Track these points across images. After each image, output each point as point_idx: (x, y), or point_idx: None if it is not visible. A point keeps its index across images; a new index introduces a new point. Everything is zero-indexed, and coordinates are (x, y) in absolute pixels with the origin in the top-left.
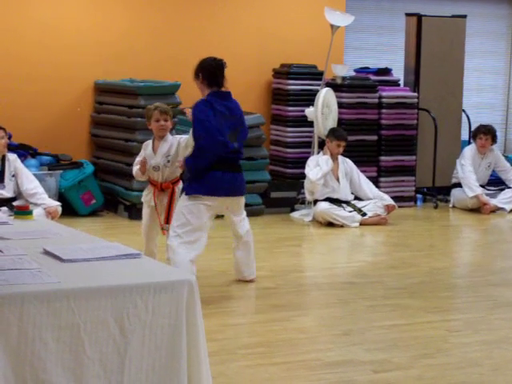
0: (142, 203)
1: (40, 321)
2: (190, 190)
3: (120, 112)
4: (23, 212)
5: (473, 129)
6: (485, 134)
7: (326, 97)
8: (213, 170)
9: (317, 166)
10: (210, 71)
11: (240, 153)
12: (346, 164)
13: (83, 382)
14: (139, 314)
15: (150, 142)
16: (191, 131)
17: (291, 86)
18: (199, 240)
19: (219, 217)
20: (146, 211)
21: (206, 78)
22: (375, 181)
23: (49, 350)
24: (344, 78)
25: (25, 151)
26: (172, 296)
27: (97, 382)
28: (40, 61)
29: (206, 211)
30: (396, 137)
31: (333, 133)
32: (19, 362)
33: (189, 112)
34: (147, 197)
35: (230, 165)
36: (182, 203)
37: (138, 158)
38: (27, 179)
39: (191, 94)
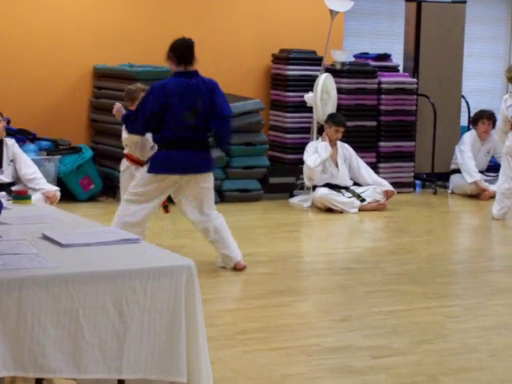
0: None
1: (39, 306)
2: (150, 168)
3: (119, 97)
4: (22, 197)
5: (472, 114)
6: (488, 118)
7: (325, 82)
8: (171, 148)
9: (315, 153)
10: (179, 50)
11: (199, 129)
12: (345, 150)
13: (82, 367)
14: (138, 299)
15: None
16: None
17: (290, 71)
18: (141, 206)
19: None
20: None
21: (175, 56)
22: (374, 167)
23: (48, 335)
24: (343, 64)
25: (24, 136)
26: (171, 281)
27: (96, 367)
28: (39, 45)
29: (163, 184)
30: (395, 123)
31: (331, 118)
32: (18, 347)
33: (117, 109)
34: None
35: (188, 143)
36: (142, 171)
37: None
38: (25, 164)
39: None
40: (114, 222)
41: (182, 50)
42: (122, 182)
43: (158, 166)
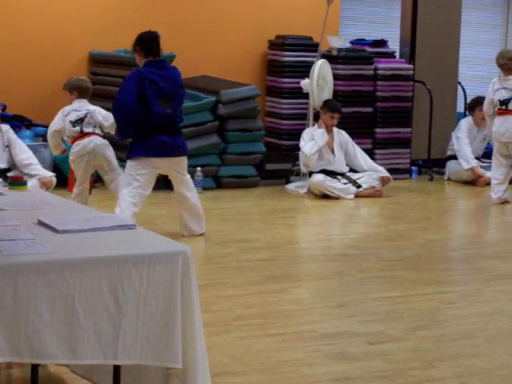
0: None
1: (34, 291)
2: (130, 154)
3: (115, 83)
4: (18, 183)
5: (468, 101)
6: None
7: (321, 68)
8: (149, 134)
9: (312, 140)
10: (146, 43)
11: (175, 117)
12: (341, 136)
13: (78, 353)
14: (134, 285)
15: None
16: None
17: (287, 57)
18: (141, 197)
19: (211, 189)
20: None
21: (142, 49)
22: (370, 153)
23: (43, 321)
24: (340, 50)
25: (19, 122)
26: (167, 267)
27: (91, 353)
28: (35, 31)
29: (147, 170)
30: (391, 109)
31: (327, 104)
32: (13, 333)
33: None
34: None
35: (165, 129)
36: (127, 164)
37: None
38: (21, 150)
39: (186, 64)
40: (118, 212)
41: (149, 43)
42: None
43: (139, 150)
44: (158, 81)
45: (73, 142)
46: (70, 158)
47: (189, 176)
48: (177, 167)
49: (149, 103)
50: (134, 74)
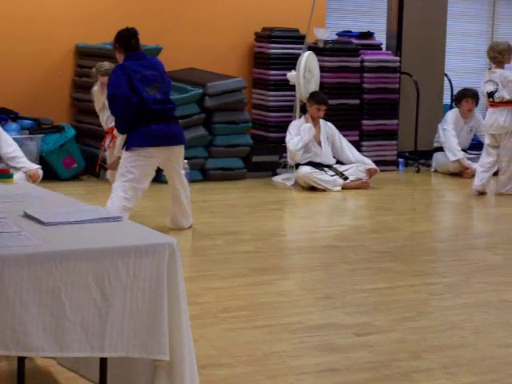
0: None
1: (21, 284)
2: (128, 144)
3: None
4: (3, 176)
5: (455, 93)
6: (472, 97)
7: (307, 60)
8: (144, 123)
9: (298, 135)
10: (125, 39)
11: (167, 103)
12: (328, 128)
13: (64, 346)
14: (120, 277)
15: None
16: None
17: (273, 49)
18: (135, 190)
19: (198, 181)
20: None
21: (121, 46)
22: (357, 145)
23: (30, 314)
24: (326, 42)
25: (5, 115)
26: (153, 259)
27: (78, 346)
28: (21, 23)
29: (144, 163)
30: (378, 101)
31: (313, 97)
32: (0, 326)
33: None
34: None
35: (160, 116)
36: (123, 156)
37: None
38: (5, 143)
39: (172, 57)
40: (109, 206)
41: (128, 39)
42: (108, 159)
43: (136, 140)
44: (141, 70)
45: None
46: None
47: (183, 171)
48: (174, 157)
49: (138, 92)
50: (116, 68)
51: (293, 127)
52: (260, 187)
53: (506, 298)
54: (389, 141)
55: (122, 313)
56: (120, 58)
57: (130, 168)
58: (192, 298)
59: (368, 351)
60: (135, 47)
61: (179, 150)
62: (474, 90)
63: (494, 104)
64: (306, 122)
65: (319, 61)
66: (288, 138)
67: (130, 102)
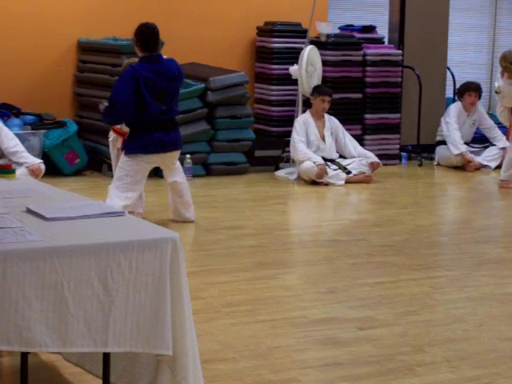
0: None
1: (23, 279)
2: (127, 150)
3: (103, 71)
4: (6, 171)
5: (457, 86)
6: (475, 90)
7: (310, 55)
8: (144, 130)
9: (302, 142)
10: (143, 37)
11: (171, 112)
12: (332, 122)
13: (68, 341)
14: (123, 272)
15: None
16: None
17: (275, 43)
18: (133, 191)
19: (201, 176)
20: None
21: (139, 41)
22: (360, 139)
23: (32, 309)
24: (328, 36)
25: (8, 111)
26: (156, 254)
27: (81, 341)
28: (23, 18)
29: (141, 166)
30: (380, 94)
31: (316, 89)
32: (3, 321)
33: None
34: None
35: (161, 124)
36: (122, 159)
37: None
38: (7, 138)
39: (175, 51)
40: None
41: (146, 37)
42: (112, 155)
43: (135, 148)
44: (153, 78)
45: None
46: None
47: (178, 163)
48: (169, 160)
49: (144, 101)
50: (128, 73)
51: (300, 124)
52: (263, 181)
53: (509, 291)
54: (391, 134)
55: (125, 308)
56: (137, 51)
57: (129, 172)
58: (195, 292)
59: (371, 345)
60: (152, 47)
61: (175, 155)
62: (477, 84)
63: None
64: (312, 116)
65: (321, 55)
66: (294, 135)
67: (128, 111)
